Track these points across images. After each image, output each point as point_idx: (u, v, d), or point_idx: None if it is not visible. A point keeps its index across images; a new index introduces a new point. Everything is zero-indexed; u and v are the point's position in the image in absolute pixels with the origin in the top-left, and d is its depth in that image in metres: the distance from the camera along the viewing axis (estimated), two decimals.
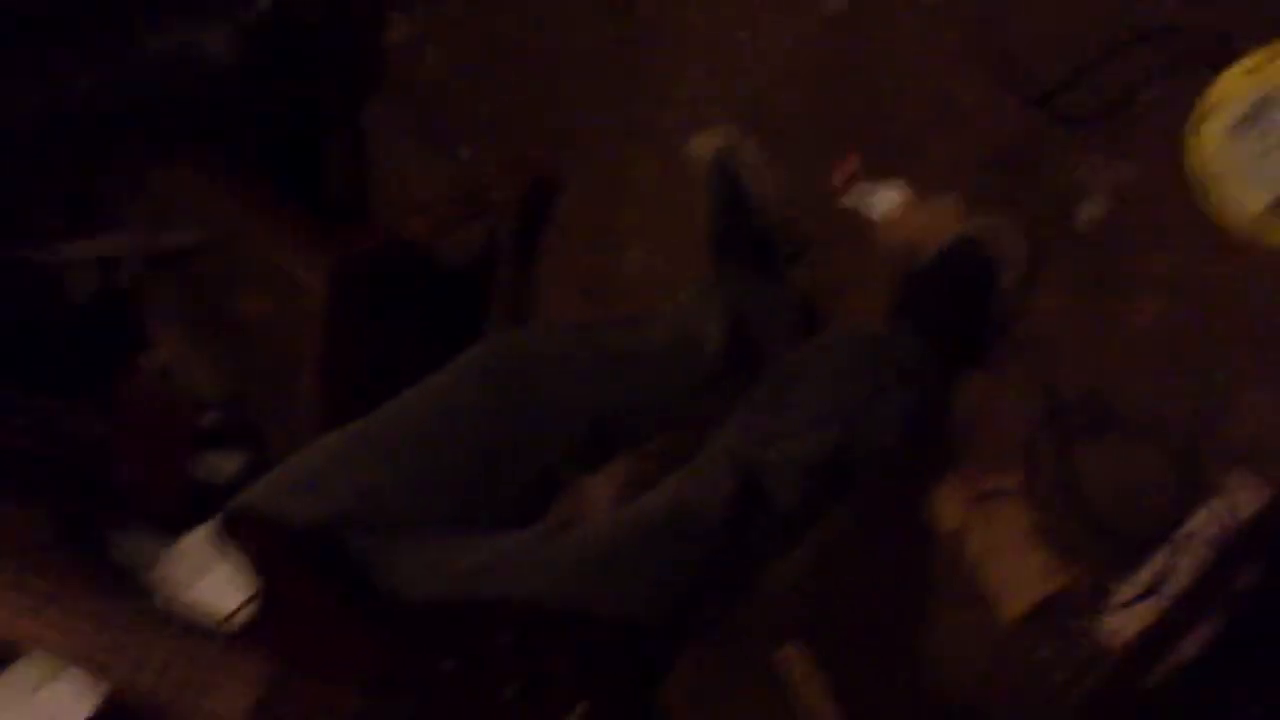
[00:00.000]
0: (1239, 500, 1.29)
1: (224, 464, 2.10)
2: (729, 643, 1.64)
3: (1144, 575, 1.37)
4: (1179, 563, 1.34)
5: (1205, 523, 1.32)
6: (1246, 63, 1.13)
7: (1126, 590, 1.39)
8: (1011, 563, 1.48)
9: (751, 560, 1.21)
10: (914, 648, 1.59)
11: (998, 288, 1.37)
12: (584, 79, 1.72)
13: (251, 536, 0.99)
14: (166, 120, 1.89)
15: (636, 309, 1.69)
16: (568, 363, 1.25)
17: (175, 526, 1.51)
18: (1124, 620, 1.39)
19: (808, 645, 1.68)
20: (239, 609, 0.95)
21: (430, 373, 1.19)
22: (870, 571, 1.64)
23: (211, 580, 0.99)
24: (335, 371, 1.82)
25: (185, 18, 1.84)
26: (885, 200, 1.47)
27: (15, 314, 2.07)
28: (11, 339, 1.98)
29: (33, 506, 1.76)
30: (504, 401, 1.17)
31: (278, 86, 1.94)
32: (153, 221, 1.99)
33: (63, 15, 1.81)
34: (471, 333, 1.88)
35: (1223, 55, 1.15)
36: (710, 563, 1.14)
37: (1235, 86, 1.14)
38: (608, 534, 1.11)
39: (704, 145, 1.57)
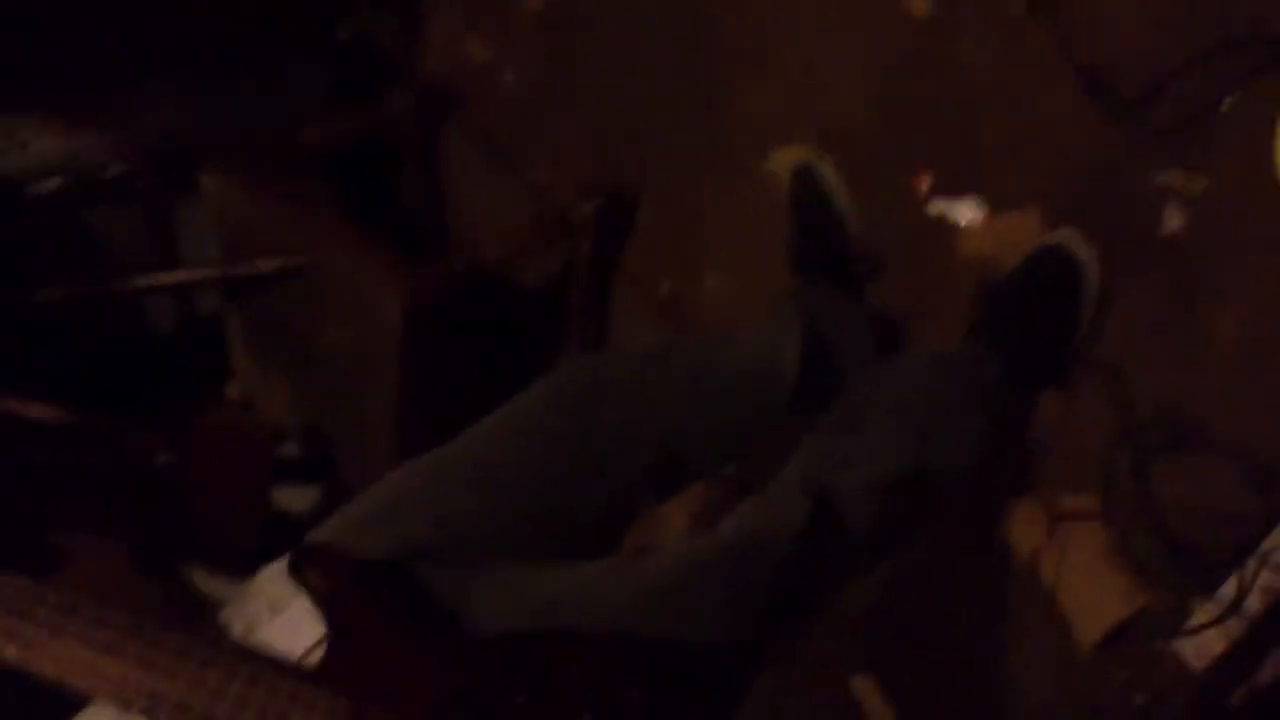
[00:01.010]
0: None
1: (302, 496, 2.12)
2: (803, 671, 1.63)
3: (1223, 595, 1.35)
4: (1259, 582, 1.32)
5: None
6: None
7: (1206, 611, 1.37)
8: (1089, 585, 1.46)
9: (825, 586, 1.20)
10: (989, 674, 1.57)
11: (1078, 302, 1.36)
12: (661, 100, 1.73)
13: (321, 572, 1.00)
14: (252, 150, 1.94)
15: (714, 332, 1.71)
16: (641, 390, 1.26)
17: (253, 560, 1.53)
18: (1204, 642, 1.37)
19: (880, 673, 1.67)
20: (313, 646, 0.96)
21: (505, 399, 1.20)
22: (945, 596, 1.62)
23: (286, 617, 0.99)
24: (412, 401, 1.84)
25: (272, 49, 1.88)
26: (965, 214, 1.47)
27: (99, 344, 2.12)
28: (95, 369, 2.03)
29: (111, 537, 1.79)
30: (578, 429, 1.18)
31: (360, 113, 1.98)
32: (233, 250, 2.03)
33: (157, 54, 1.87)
34: (549, 357, 1.89)
35: None
36: (783, 589, 1.13)
37: None
38: (680, 562, 1.10)
39: (782, 162, 1.58)
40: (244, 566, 1.54)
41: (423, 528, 1.07)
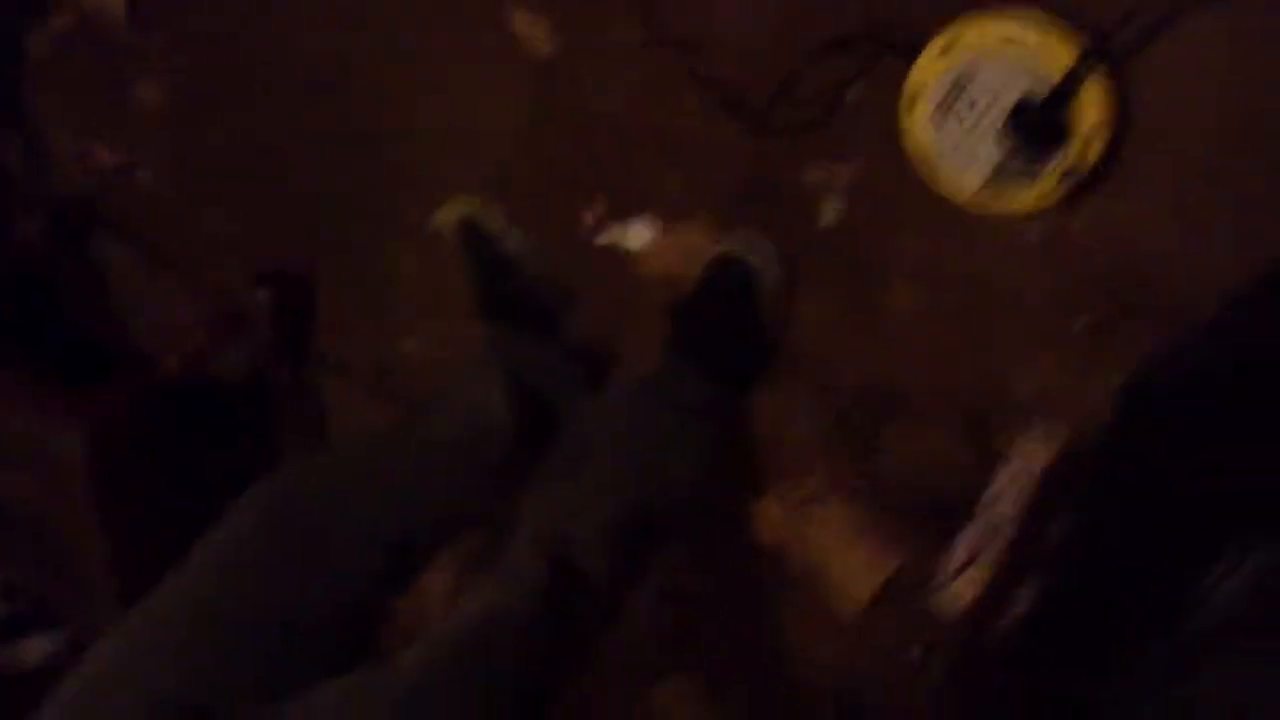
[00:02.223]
0: (1032, 458, 1.33)
1: (28, 652, 1.97)
2: (603, 691, 1.62)
3: (964, 544, 1.41)
4: (993, 525, 1.38)
5: (1007, 484, 1.36)
6: (935, 47, 1.15)
7: (952, 562, 1.42)
8: (842, 560, 1.50)
9: (582, 640, 1.18)
10: (778, 658, 1.60)
11: (761, 300, 1.37)
12: (316, 174, 1.66)
13: None
14: None
15: (418, 402, 1.66)
16: (349, 488, 1.21)
17: None
18: (958, 589, 1.42)
19: (680, 677, 1.67)
20: None
21: (221, 513, 1.12)
22: (718, 597, 1.64)
23: None
24: (119, 537, 1.71)
25: None
26: (637, 235, 1.47)
27: None
28: None
29: None
30: (289, 547, 1.12)
31: None
32: None
33: None
34: (261, 456, 1.80)
35: (914, 45, 1.17)
36: (535, 656, 1.10)
37: (929, 72, 1.16)
38: (423, 663, 1.06)
39: (446, 217, 1.54)
40: None
41: (140, 702, 0.98)
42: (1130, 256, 1.21)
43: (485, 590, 1.15)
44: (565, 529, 1.19)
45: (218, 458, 1.79)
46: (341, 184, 1.64)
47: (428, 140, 1.55)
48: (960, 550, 1.42)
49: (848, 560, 1.49)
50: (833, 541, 1.49)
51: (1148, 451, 1.25)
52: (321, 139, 1.63)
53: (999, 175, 1.17)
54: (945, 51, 1.15)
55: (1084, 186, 1.17)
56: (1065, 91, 1.11)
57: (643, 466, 1.29)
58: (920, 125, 1.19)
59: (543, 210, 1.51)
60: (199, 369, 1.76)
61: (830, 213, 1.34)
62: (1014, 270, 1.26)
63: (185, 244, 1.82)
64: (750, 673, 1.65)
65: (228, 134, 1.71)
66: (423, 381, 1.70)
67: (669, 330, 1.42)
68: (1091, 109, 1.11)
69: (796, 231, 1.35)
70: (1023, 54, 1.12)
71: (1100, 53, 1.10)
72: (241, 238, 1.76)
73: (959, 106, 1.16)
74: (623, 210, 1.46)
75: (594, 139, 1.44)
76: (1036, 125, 1.13)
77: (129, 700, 0.98)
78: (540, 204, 1.51)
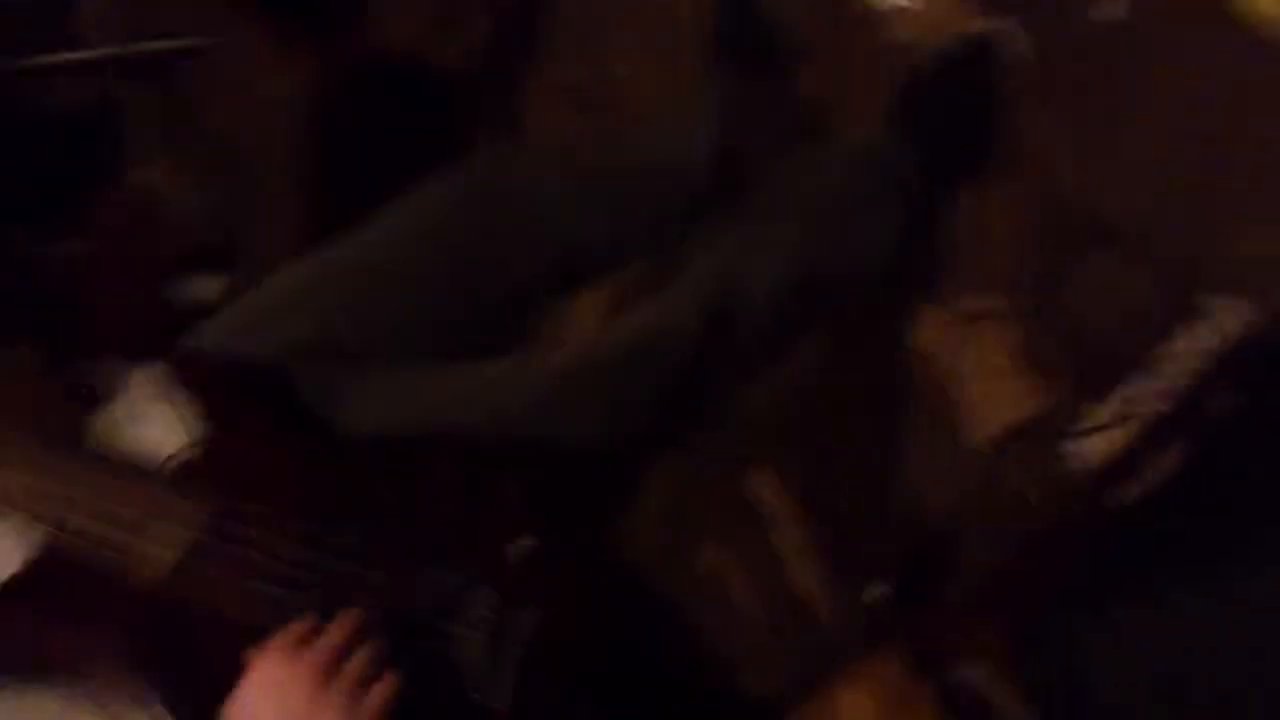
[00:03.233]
0: (1223, 325, 1.29)
1: (204, 289, 2.08)
2: (701, 468, 1.65)
3: (1120, 397, 1.38)
4: (1156, 385, 1.35)
5: (1186, 346, 1.32)
6: None
7: (1102, 412, 1.40)
8: (990, 385, 1.47)
9: (722, 386, 1.20)
10: (887, 471, 1.59)
11: (998, 95, 1.33)
12: None
13: (195, 375, 0.98)
14: None
15: (627, 120, 1.67)
16: (545, 184, 1.23)
17: (148, 354, 1.50)
18: (1097, 442, 1.41)
19: (780, 469, 1.70)
20: (181, 450, 0.94)
21: (406, 191, 1.17)
22: (847, 394, 1.63)
23: (155, 419, 0.97)
24: (312, 188, 1.78)
25: None
26: None
27: None
28: None
29: (10, 339, 1.74)
30: (477, 226, 1.15)
31: None
32: (134, 30, 1.93)
33: None
34: (456, 146, 1.84)
35: None
36: (677, 390, 1.13)
37: None
38: (571, 362, 1.10)
39: None
40: (144, 358, 1.51)
41: (305, 329, 1.05)
42: None
43: (645, 314, 1.18)
44: (737, 271, 1.20)
45: (412, 140, 1.84)
46: None
47: None
48: (1115, 401, 1.40)
49: (996, 388, 1.47)
50: (986, 364, 1.47)
51: None
52: None
53: None
54: None
55: None
56: None
57: (830, 231, 1.28)
58: None
59: None
60: (423, 45, 1.78)
61: (1105, 13, 1.27)
62: (1271, 132, 1.19)
63: None
64: (850, 483, 1.66)
65: None
66: (628, 104, 1.69)
67: (895, 102, 1.39)
68: None
69: (1062, 24, 1.29)
70: None
71: None
72: None
73: None
74: None
75: None
76: None
77: (261, 337, 1.04)
78: None
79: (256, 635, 0.84)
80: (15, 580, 0.86)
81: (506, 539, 0.93)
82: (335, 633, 0.84)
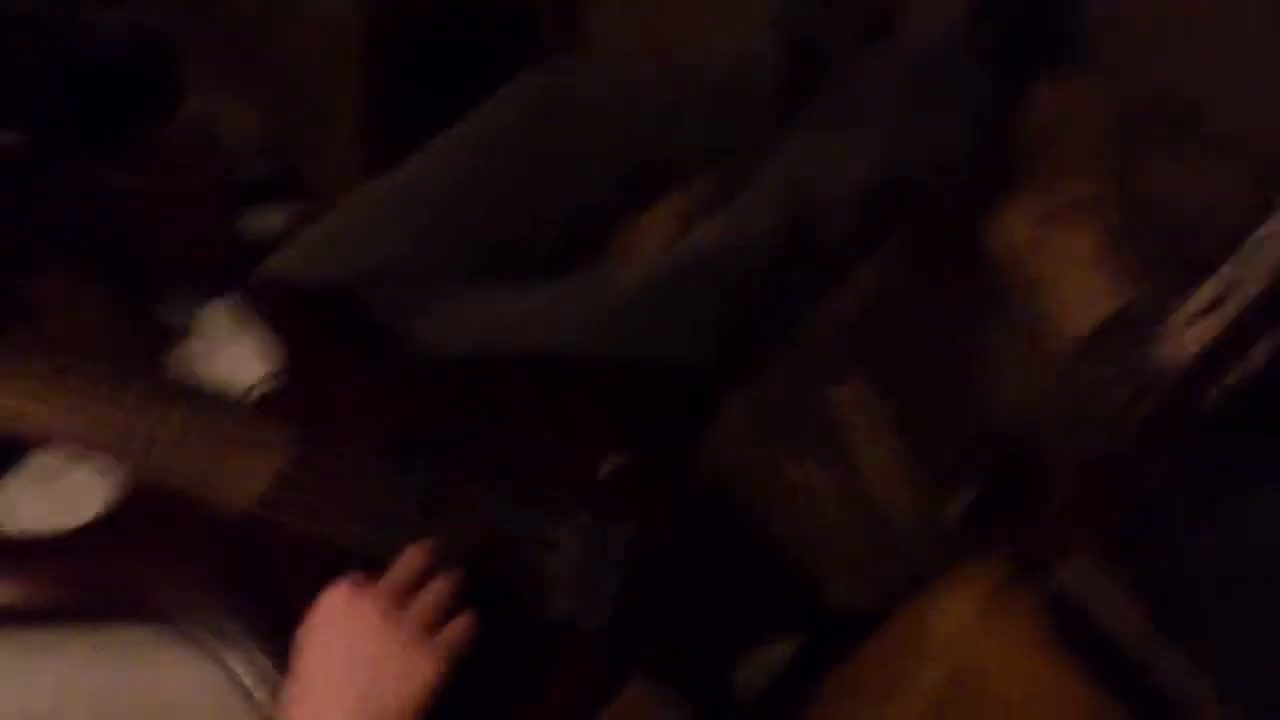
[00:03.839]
0: None
1: (270, 219, 2.08)
2: (784, 381, 1.64)
3: (1210, 288, 1.34)
4: (1246, 274, 1.31)
5: (1274, 235, 1.28)
6: None
7: (1192, 305, 1.36)
8: (1076, 281, 1.45)
9: (801, 296, 1.18)
10: (974, 376, 1.57)
11: None
12: None
13: (272, 302, 0.98)
14: None
15: (693, 32, 1.63)
16: (610, 98, 1.21)
17: (218, 287, 1.50)
18: (1187, 336, 1.37)
19: (864, 380, 1.68)
20: (260, 382, 0.94)
21: (472, 110, 1.15)
22: (928, 298, 1.60)
23: (234, 351, 0.97)
24: (377, 111, 1.77)
25: None
26: None
27: (44, 64, 2.01)
28: (42, 91, 1.93)
29: (76, 271, 1.75)
30: (543, 141, 1.14)
31: None
32: None
33: None
34: (519, 62, 1.81)
35: None
36: (756, 302, 1.13)
37: None
38: (647, 278, 1.09)
39: None
40: (215, 292, 1.52)
41: (377, 253, 1.05)
42: None
43: (720, 226, 1.16)
44: (811, 178, 1.18)
45: (477, 60, 1.81)
46: None
47: None
48: (1204, 294, 1.36)
49: (1080, 284, 1.44)
50: (1071, 261, 1.44)
51: None
52: None
53: None
54: None
55: None
56: None
57: (906, 133, 1.25)
58: None
59: None
60: None
61: None
62: None
63: None
64: (936, 390, 1.64)
65: None
66: (692, 17, 1.64)
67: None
68: None
69: None
70: None
71: None
72: None
73: None
74: None
75: None
76: None
77: (334, 263, 1.04)
78: None
79: (344, 564, 0.83)
80: (103, 518, 0.86)
81: (594, 458, 0.93)
82: (404, 566, 0.83)
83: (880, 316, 1.62)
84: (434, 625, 0.81)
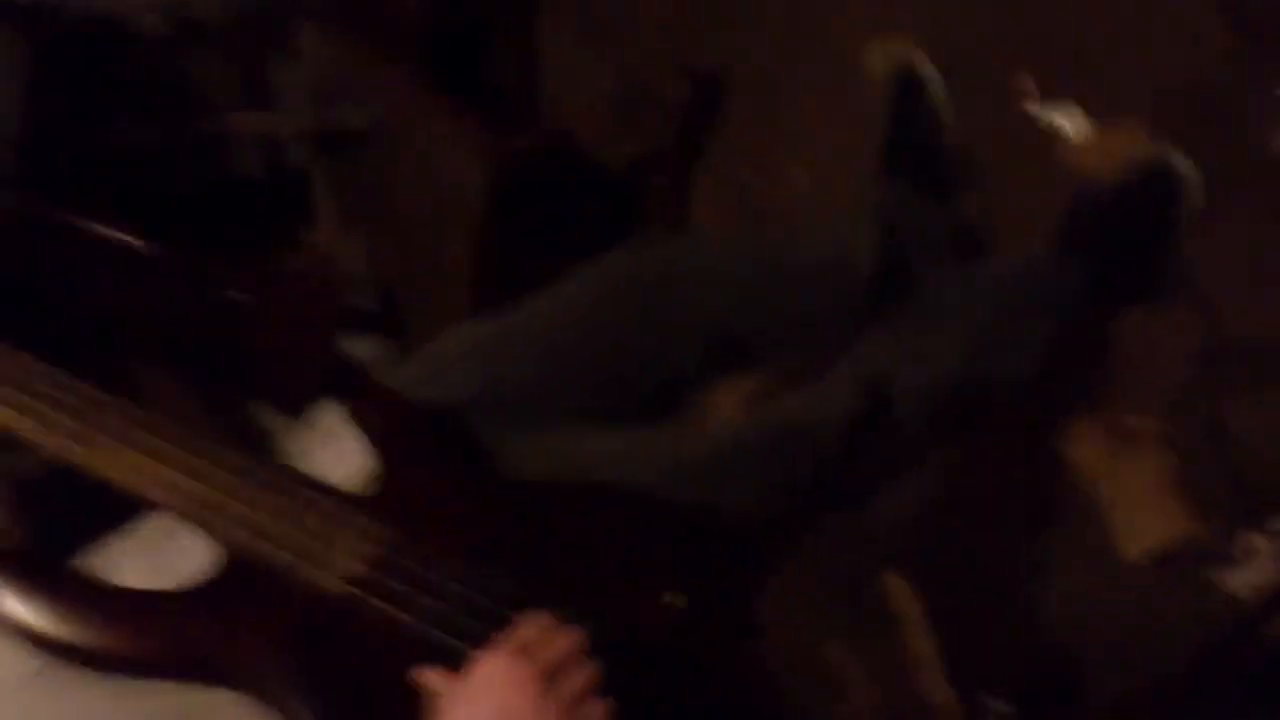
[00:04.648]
0: None
1: (365, 346, 2.15)
2: (832, 563, 1.64)
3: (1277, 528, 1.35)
4: None
5: None
6: None
7: (1258, 542, 1.36)
8: (1143, 507, 1.46)
9: (867, 480, 1.22)
10: (1023, 586, 1.57)
11: (1174, 220, 1.33)
12: None
13: (378, 412, 1.04)
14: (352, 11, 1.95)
15: (793, 224, 1.70)
16: (712, 272, 1.26)
17: (313, 399, 1.55)
18: (1252, 574, 1.37)
19: (913, 575, 1.68)
20: (359, 479, 0.98)
21: (581, 270, 1.22)
22: (993, 503, 1.62)
23: (334, 450, 1.02)
24: (488, 267, 1.85)
25: None
26: (1065, 123, 1.44)
27: (187, 187, 2.14)
28: (181, 209, 2.04)
29: (179, 368, 1.81)
30: (642, 309, 1.20)
31: None
32: (322, 101, 2.04)
33: None
34: (624, 235, 1.90)
35: None
36: (824, 476, 1.16)
37: None
38: (726, 436, 1.14)
39: (879, 56, 1.56)
40: (304, 405, 1.57)
41: (478, 383, 1.11)
42: None
43: (800, 401, 1.20)
44: (894, 372, 1.22)
45: (586, 229, 1.90)
46: None
47: None
48: (1271, 532, 1.36)
49: (1150, 510, 1.45)
50: (1142, 487, 1.45)
51: None
52: None
53: None
54: None
55: None
56: None
57: (989, 344, 1.29)
58: None
59: (971, 69, 1.48)
60: (603, 141, 1.85)
61: None
62: None
63: (617, 22, 1.87)
64: (983, 596, 1.62)
65: None
66: (794, 208, 1.73)
67: (1068, 221, 1.40)
68: None
69: (1239, 154, 1.30)
70: None
71: None
72: (668, 26, 1.81)
73: None
74: (1056, 92, 1.43)
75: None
76: None
77: (438, 386, 1.10)
78: (970, 63, 1.48)
79: (424, 657, 0.86)
80: (199, 583, 0.90)
81: (655, 592, 0.95)
82: (564, 643, 0.85)
83: (941, 512, 1.63)
84: (578, 709, 0.82)
